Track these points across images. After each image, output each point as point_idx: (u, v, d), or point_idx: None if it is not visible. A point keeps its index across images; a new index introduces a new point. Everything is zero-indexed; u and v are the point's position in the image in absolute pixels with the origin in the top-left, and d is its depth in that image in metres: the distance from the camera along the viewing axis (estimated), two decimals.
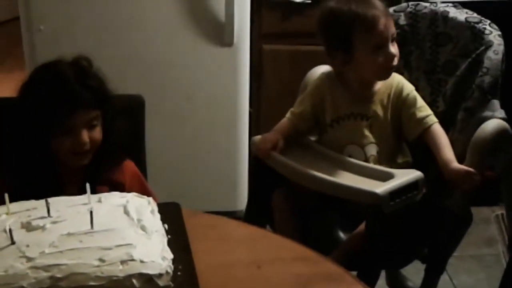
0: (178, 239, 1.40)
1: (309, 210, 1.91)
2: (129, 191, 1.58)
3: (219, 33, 2.57)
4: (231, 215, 2.15)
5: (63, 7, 2.48)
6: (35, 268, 1.19)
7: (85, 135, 1.63)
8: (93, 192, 1.42)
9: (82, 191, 1.41)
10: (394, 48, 1.84)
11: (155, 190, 1.77)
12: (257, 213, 1.96)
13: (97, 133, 1.66)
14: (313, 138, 1.99)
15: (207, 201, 2.66)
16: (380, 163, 1.87)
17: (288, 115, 1.95)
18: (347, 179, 1.76)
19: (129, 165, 1.76)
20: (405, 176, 1.73)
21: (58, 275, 1.19)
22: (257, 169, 1.95)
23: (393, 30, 1.84)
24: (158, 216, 1.40)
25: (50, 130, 1.62)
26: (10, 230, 1.24)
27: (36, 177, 1.63)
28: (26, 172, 1.64)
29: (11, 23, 5.07)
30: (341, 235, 1.88)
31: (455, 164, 1.76)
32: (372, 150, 1.89)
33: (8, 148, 1.67)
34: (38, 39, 2.48)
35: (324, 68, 2.03)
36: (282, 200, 1.90)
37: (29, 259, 1.20)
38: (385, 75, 1.88)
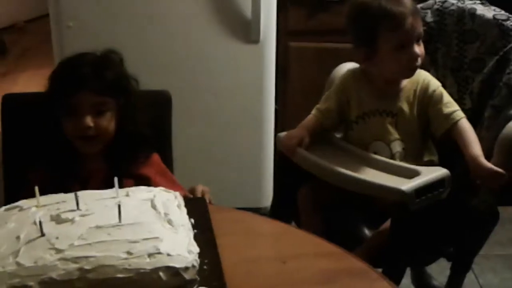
0: (204, 234, 1.41)
1: (334, 206, 1.91)
2: (155, 185, 1.60)
3: (246, 30, 2.58)
4: (256, 211, 2.15)
5: (92, 4, 2.51)
6: (64, 259, 1.21)
7: (88, 119, 1.64)
8: (119, 185, 1.43)
9: (107, 184, 1.43)
10: (418, 49, 1.83)
11: (182, 184, 1.79)
12: (282, 209, 1.97)
13: (105, 120, 1.67)
14: (338, 135, 1.99)
15: (232, 197, 2.67)
16: (405, 160, 1.87)
17: (313, 111, 1.96)
18: (372, 176, 1.76)
19: (156, 159, 1.77)
20: (431, 173, 1.72)
21: (87, 267, 1.20)
22: (283, 165, 1.96)
23: (420, 30, 1.83)
24: (184, 210, 1.42)
25: (59, 112, 1.65)
26: (40, 222, 1.26)
27: (61, 170, 1.66)
28: (52, 164, 1.67)
29: (40, 20, 5.14)
30: (366, 231, 1.88)
31: (482, 160, 1.74)
32: (397, 146, 1.89)
33: (36, 141, 1.70)
34: (67, 35, 2.51)
35: (350, 65, 2.04)
36: (307, 197, 1.91)
37: (59, 251, 1.22)
38: (407, 74, 1.88)
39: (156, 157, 1.78)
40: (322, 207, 1.91)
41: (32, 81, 4.09)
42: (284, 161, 1.89)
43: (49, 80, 1.70)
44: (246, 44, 2.60)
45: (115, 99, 1.67)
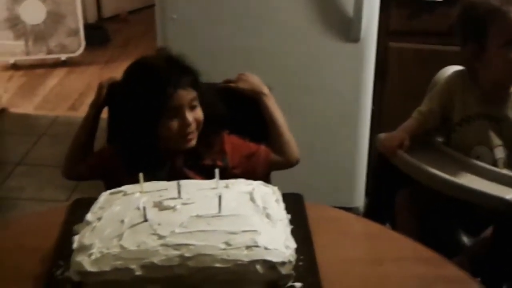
0: (300, 230, 1.42)
1: (432, 211, 1.87)
2: (232, 160, 1.70)
3: (346, 28, 2.56)
4: (348, 211, 2.14)
5: None
6: (166, 246, 1.24)
7: (189, 116, 1.67)
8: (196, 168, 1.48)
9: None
10: None
11: (275, 182, 1.79)
12: (378, 211, 1.95)
13: (199, 113, 1.70)
14: (439, 139, 1.95)
15: (324, 196, 2.66)
16: (509, 168, 1.81)
17: (414, 114, 1.92)
18: (474, 182, 1.71)
19: (228, 137, 1.79)
20: None
21: (187, 255, 1.23)
22: (381, 167, 1.93)
23: None
24: (282, 205, 1.43)
25: (159, 116, 1.66)
26: (144, 208, 1.29)
27: (142, 157, 1.69)
28: (134, 151, 1.71)
29: (143, 11, 5.28)
30: (464, 239, 1.83)
31: None
32: (500, 153, 1.83)
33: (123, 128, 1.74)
34: (170, 27, 2.56)
35: (456, 68, 1.98)
36: (405, 200, 1.88)
37: (161, 237, 1.25)
38: None
39: (227, 134, 1.79)
40: (419, 211, 1.87)
41: None
42: (382, 162, 1.87)
43: (134, 84, 1.71)
44: (346, 42, 2.58)
45: (198, 91, 1.70)
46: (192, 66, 1.71)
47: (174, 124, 1.67)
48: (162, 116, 1.66)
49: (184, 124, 1.67)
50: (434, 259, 1.41)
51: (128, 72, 1.73)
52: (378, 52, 2.69)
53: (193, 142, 1.71)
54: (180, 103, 1.66)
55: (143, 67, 1.72)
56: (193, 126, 1.69)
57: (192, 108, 1.68)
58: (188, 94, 1.67)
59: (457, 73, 1.94)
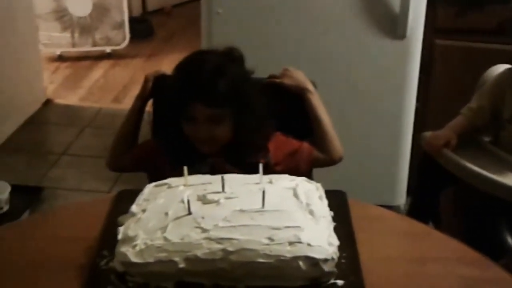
0: (343, 227, 1.41)
1: (478, 211, 1.84)
2: (274, 157, 1.70)
3: (392, 25, 2.53)
4: (388, 209, 2.12)
5: None
6: (209, 239, 1.24)
7: (203, 129, 1.66)
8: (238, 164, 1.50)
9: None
10: None
11: (318, 178, 1.78)
12: (422, 210, 1.93)
13: (222, 130, 1.67)
14: (487, 139, 1.92)
15: (365, 193, 2.62)
16: None
17: (464, 110, 1.90)
18: None
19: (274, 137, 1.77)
20: None
21: (230, 249, 1.23)
22: (426, 165, 1.91)
23: None
24: (325, 202, 1.42)
25: (179, 117, 1.68)
26: (188, 201, 1.30)
27: (184, 151, 1.70)
28: (175, 145, 1.72)
29: (187, 5, 5.31)
30: (510, 240, 1.80)
31: None
32: None
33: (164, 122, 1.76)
34: (215, 22, 2.57)
35: (507, 66, 1.95)
36: (449, 199, 1.86)
37: (204, 230, 1.26)
38: None
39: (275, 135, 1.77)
40: (464, 211, 1.85)
41: (175, 63, 4.19)
42: (427, 161, 1.85)
43: (174, 75, 1.72)
44: (392, 39, 2.55)
45: (230, 108, 1.67)
46: (238, 82, 1.67)
47: (188, 129, 1.68)
48: (182, 118, 1.68)
49: (196, 134, 1.67)
50: (478, 261, 1.39)
51: (174, 67, 1.74)
52: (424, 50, 2.66)
53: (212, 150, 1.70)
54: (193, 115, 1.66)
55: (183, 65, 1.71)
56: (204, 138, 1.67)
57: (214, 122, 1.66)
58: (206, 110, 1.64)
59: (508, 70, 1.91)
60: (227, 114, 1.67)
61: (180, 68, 1.71)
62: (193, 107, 1.65)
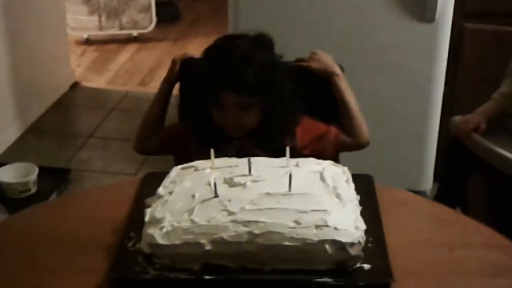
0: (369, 211, 1.40)
1: (506, 196, 1.82)
2: (301, 140, 1.69)
3: (421, 8, 2.50)
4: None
5: None
6: (235, 222, 1.24)
7: (231, 116, 1.66)
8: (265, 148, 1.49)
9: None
10: None
11: (344, 162, 1.77)
12: (449, 195, 1.91)
13: (250, 117, 1.68)
14: None
15: (391, 178, 2.60)
16: None
17: (495, 95, 1.87)
18: None
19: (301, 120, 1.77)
20: None
21: (256, 232, 1.24)
22: (455, 150, 1.90)
23: None
24: (352, 186, 1.41)
25: (207, 102, 1.68)
26: (215, 183, 1.30)
27: (211, 134, 1.71)
28: (202, 128, 1.72)
29: None
30: None
31: None
32: None
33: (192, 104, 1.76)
34: (242, 5, 2.56)
35: None
36: (478, 184, 1.84)
37: (230, 213, 1.26)
38: None
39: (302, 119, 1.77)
40: (493, 196, 1.83)
41: (202, 47, 4.16)
42: (456, 145, 1.83)
43: (203, 59, 1.71)
44: (420, 23, 2.52)
45: (259, 96, 1.67)
46: (267, 69, 1.66)
47: (216, 115, 1.68)
48: (210, 103, 1.68)
49: (224, 121, 1.67)
50: (506, 246, 1.38)
51: (203, 51, 1.74)
52: (453, 33, 2.63)
53: (240, 134, 1.70)
54: (221, 101, 1.66)
55: (212, 50, 1.70)
56: (232, 125, 1.68)
57: (243, 109, 1.66)
58: (235, 97, 1.65)
59: None
60: (256, 101, 1.67)
61: (209, 53, 1.71)
62: (222, 94, 1.64)
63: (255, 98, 1.66)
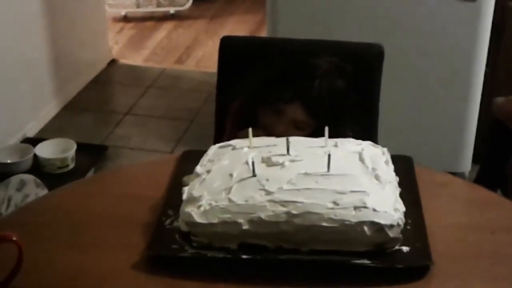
0: (409, 193, 1.38)
1: None
2: None
3: None
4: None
5: None
6: (273, 202, 1.24)
7: (281, 127, 1.64)
8: None
9: None
10: None
11: (384, 142, 1.74)
12: (490, 177, 1.88)
13: (298, 134, 1.62)
14: None
15: (430, 159, 2.58)
16: None
17: None
18: None
19: None
20: None
21: (294, 212, 1.23)
22: (497, 131, 1.86)
23: None
24: (391, 167, 1.39)
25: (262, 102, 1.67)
26: (252, 163, 1.29)
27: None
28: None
29: None
30: None
31: None
32: None
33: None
34: None
35: None
36: None
37: (268, 193, 1.25)
38: None
39: None
40: None
41: (238, 26, 4.21)
42: (498, 127, 1.80)
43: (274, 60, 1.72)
44: (463, 1, 2.47)
45: (318, 118, 1.65)
46: (338, 104, 1.65)
47: (266, 118, 1.66)
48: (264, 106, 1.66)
49: (270, 130, 1.64)
50: None
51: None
52: (496, 12, 2.57)
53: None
54: (280, 112, 1.64)
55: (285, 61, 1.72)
56: (277, 135, 1.64)
57: (297, 128, 1.65)
58: (297, 114, 1.64)
59: None
60: (311, 123, 1.65)
61: (282, 62, 1.70)
62: (284, 107, 1.63)
63: (312, 121, 1.65)
